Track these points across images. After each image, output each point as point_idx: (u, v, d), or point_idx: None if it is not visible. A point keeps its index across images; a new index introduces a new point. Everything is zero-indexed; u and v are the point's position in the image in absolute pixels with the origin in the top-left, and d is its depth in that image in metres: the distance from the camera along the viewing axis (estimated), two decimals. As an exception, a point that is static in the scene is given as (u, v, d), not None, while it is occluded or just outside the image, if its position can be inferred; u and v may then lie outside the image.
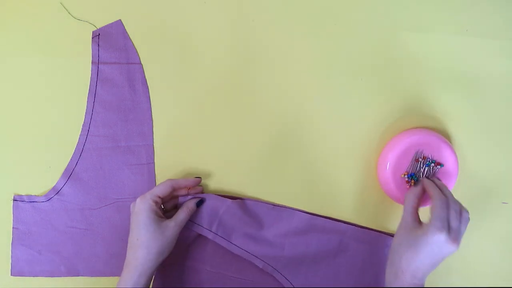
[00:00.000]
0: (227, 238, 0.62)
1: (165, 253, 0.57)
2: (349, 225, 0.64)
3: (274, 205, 0.64)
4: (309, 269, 0.63)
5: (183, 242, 0.63)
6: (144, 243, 0.55)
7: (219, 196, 0.63)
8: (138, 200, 0.57)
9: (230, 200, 0.62)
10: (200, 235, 0.63)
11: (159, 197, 0.58)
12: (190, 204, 0.60)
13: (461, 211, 0.54)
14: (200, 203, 0.60)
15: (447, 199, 0.55)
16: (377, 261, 0.63)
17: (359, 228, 0.64)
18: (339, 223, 0.64)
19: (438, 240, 0.51)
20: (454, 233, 0.52)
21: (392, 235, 0.63)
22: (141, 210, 0.56)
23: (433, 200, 0.54)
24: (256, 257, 0.62)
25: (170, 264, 0.63)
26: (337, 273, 0.63)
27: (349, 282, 0.63)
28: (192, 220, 0.61)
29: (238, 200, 0.63)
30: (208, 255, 0.64)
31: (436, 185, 0.58)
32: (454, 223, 0.52)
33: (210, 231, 0.62)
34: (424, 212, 0.58)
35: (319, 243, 0.63)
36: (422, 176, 0.60)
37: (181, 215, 0.58)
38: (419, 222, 0.55)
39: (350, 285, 0.63)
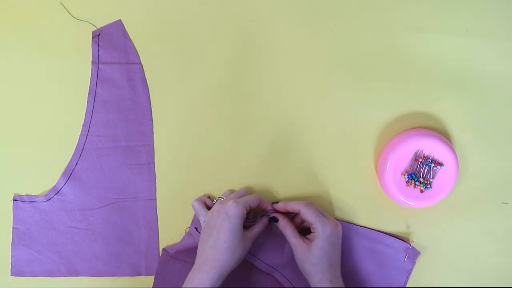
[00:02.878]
0: None
1: (241, 260, 0.58)
2: (352, 225, 0.64)
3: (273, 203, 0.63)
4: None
5: (185, 245, 0.63)
6: (230, 247, 0.55)
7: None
8: (232, 203, 0.57)
9: None
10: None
11: (250, 207, 0.58)
12: (265, 220, 0.61)
13: (314, 204, 0.60)
14: (272, 220, 0.61)
15: (306, 202, 0.59)
16: (381, 259, 0.63)
17: (369, 229, 0.64)
18: (348, 224, 0.64)
19: (330, 232, 0.57)
20: (329, 218, 0.59)
21: (401, 239, 0.64)
22: (235, 215, 0.56)
23: (301, 210, 0.58)
24: (259, 259, 0.62)
25: (172, 260, 0.63)
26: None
27: (353, 282, 0.63)
28: (199, 229, 0.62)
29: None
30: None
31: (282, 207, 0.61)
32: (322, 212, 0.60)
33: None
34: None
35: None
36: (421, 176, 0.60)
37: (257, 229, 0.60)
38: (307, 238, 0.59)
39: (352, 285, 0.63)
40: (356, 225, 0.64)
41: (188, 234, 0.64)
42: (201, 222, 0.60)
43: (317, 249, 0.56)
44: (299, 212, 0.58)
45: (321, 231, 0.57)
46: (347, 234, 0.63)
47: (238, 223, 0.56)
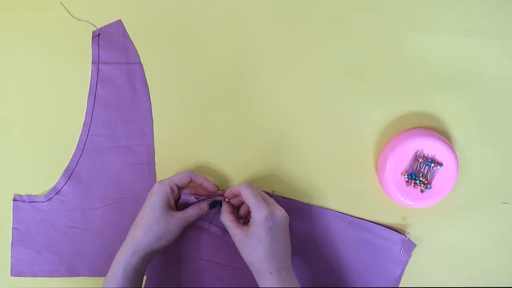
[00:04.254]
0: (222, 226, 0.62)
1: (163, 240, 0.56)
2: (347, 215, 0.64)
3: (271, 194, 0.63)
4: (309, 262, 0.63)
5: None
6: (147, 223, 0.55)
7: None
8: (156, 184, 0.57)
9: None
10: (194, 224, 0.63)
11: (177, 185, 0.58)
12: (203, 204, 0.60)
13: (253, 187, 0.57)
14: (213, 204, 0.60)
15: (245, 184, 0.57)
16: (376, 251, 0.63)
17: (365, 221, 0.64)
18: (343, 214, 0.64)
19: (266, 216, 0.53)
20: (271, 203, 0.55)
21: (397, 231, 0.64)
22: (155, 193, 0.57)
23: (242, 191, 0.56)
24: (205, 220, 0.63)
25: (165, 253, 0.63)
26: (339, 265, 0.63)
27: (353, 279, 0.63)
28: None
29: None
30: (203, 244, 0.64)
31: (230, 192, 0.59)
32: (264, 196, 0.56)
33: (205, 220, 0.62)
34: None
35: (322, 233, 0.63)
36: (421, 176, 0.61)
37: (190, 211, 0.59)
38: (245, 225, 0.56)
39: (352, 283, 0.63)
40: (352, 216, 0.64)
41: None
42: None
43: (252, 236, 0.53)
44: (239, 195, 0.57)
45: (256, 216, 0.53)
46: (342, 225, 0.63)
47: (158, 200, 0.56)
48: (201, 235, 0.64)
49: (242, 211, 0.60)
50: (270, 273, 0.52)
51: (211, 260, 0.63)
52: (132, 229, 0.57)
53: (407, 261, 0.63)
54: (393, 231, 0.63)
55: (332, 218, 0.64)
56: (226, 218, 0.57)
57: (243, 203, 0.59)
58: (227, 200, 0.60)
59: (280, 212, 0.55)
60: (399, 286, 0.64)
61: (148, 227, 0.55)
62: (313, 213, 0.64)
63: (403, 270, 0.63)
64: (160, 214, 0.56)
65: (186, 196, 0.60)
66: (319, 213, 0.64)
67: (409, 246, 0.63)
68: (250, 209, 0.55)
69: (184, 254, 0.64)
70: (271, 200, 0.57)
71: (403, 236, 0.63)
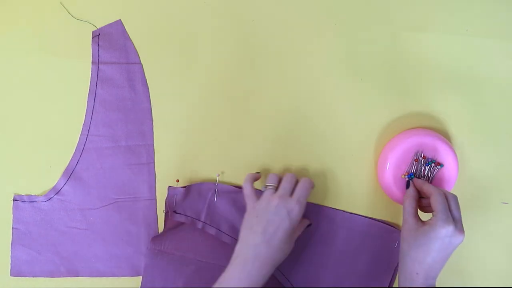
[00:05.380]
0: (216, 226, 0.62)
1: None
2: (353, 215, 0.64)
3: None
4: (307, 264, 0.63)
5: (172, 233, 0.63)
6: (285, 247, 0.55)
7: (207, 184, 0.64)
8: (296, 205, 0.56)
9: (219, 185, 0.63)
10: (189, 225, 0.63)
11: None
12: (306, 223, 0.61)
13: (457, 201, 0.55)
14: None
15: (444, 192, 0.55)
16: (385, 257, 0.63)
17: (364, 218, 0.64)
18: (343, 212, 0.64)
19: (447, 233, 0.52)
20: (459, 223, 0.53)
21: (392, 225, 0.64)
22: (296, 218, 0.56)
23: (432, 195, 0.55)
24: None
25: (160, 254, 0.63)
26: (340, 265, 0.63)
27: (349, 274, 0.63)
28: (178, 211, 0.62)
29: (227, 186, 0.64)
30: (198, 245, 0.63)
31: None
32: (456, 213, 0.54)
33: (199, 220, 0.62)
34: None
35: (321, 234, 0.63)
36: (422, 177, 0.60)
37: (299, 232, 0.59)
38: (422, 221, 0.55)
39: (353, 283, 0.63)
40: (347, 212, 0.64)
41: (170, 219, 0.63)
42: (249, 207, 0.58)
43: (423, 236, 0.53)
44: (430, 196, 0.55)
45: (439, 225, 0.52)
46: (338, 221, 0.63)
47: (296, 225, 0.56)
48: (196, 236, 0.64)
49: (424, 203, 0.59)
50: (417, 273, 0.53)
51: (207, 261, 0.63)
52: (269, 249, 0.54)
53: None
54: (389, 225, 0.64)
55: (326, 213, 0.64)
56: (409, 203, 0.56)
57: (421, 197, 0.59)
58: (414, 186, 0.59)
59: (460, 237, 0.53)
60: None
61: (285, 251, 0.56)
62: (308, 210, 0.64)
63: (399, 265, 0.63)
64: (293, 237, 0.57)
65: (172, 190, 0.62)
66: (313, 209, 0.64)
67: None
68: (435, 214, 0.53)
69: (179, 256, 0.63)
70: (459, 216, 0.54)
71: (397, 229, 0.63)
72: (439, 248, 0.52)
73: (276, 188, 0.58)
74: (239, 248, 0.56)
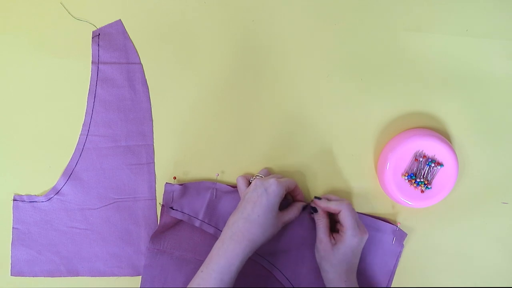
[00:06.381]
0: (215, 225, 0.62)
1: (267, 241, 0.57)
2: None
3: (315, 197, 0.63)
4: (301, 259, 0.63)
5: (171, 232, 0.63)
6: (264, 224, 0.55)
7: (206, 183, 0.64)
8: (274, 181, 0.57)
9: (217, 185, 0.63)
10: (188, 225, 0.63)
11: (288, 189, 0.58)
12: (299, 206, 0.61)
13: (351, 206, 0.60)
14: (312, 209, 0.61)
15: (347, 203, 0.59)
16: (383, 254, 0.63)
17: (362, 215, 0.64)
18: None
19: (357, 242, 0.57)
20: (360, 226, 0.58)
21: (390, 222, 0.64)
22: (275, 193, 0.56)
23: (342, 212, 0.58)
24: None
25: (160, 254, 0.63)
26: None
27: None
28: (175, 207, 0.63)
29: (226, 186, 0.64)
30: (197, 244, 0.64)
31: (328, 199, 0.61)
32: (359, 221, 0.59)
33: (197, 218, 0.62)
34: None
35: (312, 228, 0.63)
36: (421, 177, 0.61)
37: (291, 214, 0.60)
38: (333, 237, 0.59)
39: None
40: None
41: (166, 213, 0.63)
42: (241, 197, 0.59)
43: (340, 254, 0.57)
44: (339, 212, 0.58)
45: (349, 240, 0.57)
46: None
47: (275, 201, 0.56)
48: (196, 235, 0.64)
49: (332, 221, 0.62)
50: (345, 281, 0.57)
51: (204, 259, 0.63)
52: (247, 224, 0.55)
53: (400, 251, 0.63)
54: (384, 222, 0.64)
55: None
56: (323, 225, 0.60)
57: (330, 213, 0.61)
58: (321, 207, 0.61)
59: (366, 236, 0.58)
60: (395, 279, 0.64)
61: (265, 228, 0.56)
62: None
63: (397, 261, 0.63)
64: (274, 216, 0.57)
65: (169, 186, 0.62)
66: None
67: (401, 235, 0.63)
68: (344, 229, 0.57)
69: (178, 256, 0.63)
70: (360, 222, 0.59)
71: (394, 226, 0.63)
72: (354, 254, 0.58)
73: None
74: (222, 231, 0.57)
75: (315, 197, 0.61)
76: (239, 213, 0.56)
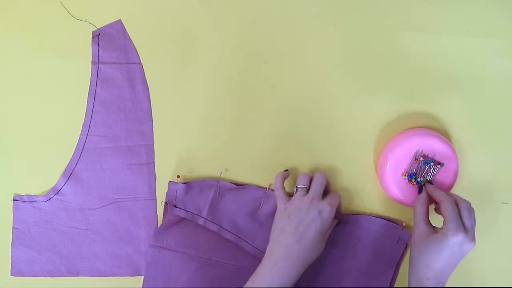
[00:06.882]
0: (218, 223, 0.62)
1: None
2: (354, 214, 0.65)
3: (268, 189, 0.64)
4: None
5: (174, 230, 0.64)
6: (316, 246, 0.56)
7: (209, 181, 0.64)
8: (327, 206, 0.57)
9: (221, 182, 0.63)
10: (191, 222, 0.63)
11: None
12: (334, 222, 0.61)
13: (470, 208, 0.56)
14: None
15: (455, 199, 0.56)
16: (386, 254, 0.63)
17: (364, 215, 0.64)
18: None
19: (457, 241, 0.53)
20: (470, 231, 0.54)
21: (393, 221, 0.64)
22: (327, 220, 0.57)
23: (442, 203, 0.55)
24: (248, 242, 0.63)
25: (163, 251, 0.63)
26: (339, 263, 0.63)
27: (354, 275, 0.63)
28: (178, 205, 0.63)
29: (229, 184, 0.64)
30: (200, 242, 0.64)
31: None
32: (467, 221, 0.55)
33: (201, 216, 0.62)
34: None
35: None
36: (422, 176, 0.60)
37: (329, 231, 0.59)
38: (433, 227, 0.56)
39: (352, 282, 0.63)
40: (345, 213, 0.64)
41: (169, 211, 0.63)
42: (280, 207, 0.59)
43: (435, 244, 0.54)
44: (440, 203, 0.56)
45: (450, 234, 0.53)
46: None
47: (327, 226, 0.57)
48: (199, 233, 0.64)
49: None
50: (428, 279, 0.54)
51: (210, 258, 0.63)
52: (300, 247, 0.55)
53: (404, 251, 0.63)
54: (389, 222, 0.64)
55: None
56: (421, 208, 0.57)
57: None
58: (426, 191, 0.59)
59: (471, 246, 0.54)
60: (399, 278, 0.64)
61: (317, 250, 0.56)
62: None
63: (401, 260, 0.63)
64: (325, 238, 0.58)
65: (172, 184, 0.62)
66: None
67: (405, 235, 0.63)
68: (445, 223, 0.54)
69: (182, 253, 0.64)
70: (471, 224, 0.55)
71: (398, 226, 0.63)
72: (449, 255, 0.54)
73: (307, 189, 0.59)
74: (271, 247, 0.57)
75: (427, 181, 0.60)
76: (292, 235, 0.56)
